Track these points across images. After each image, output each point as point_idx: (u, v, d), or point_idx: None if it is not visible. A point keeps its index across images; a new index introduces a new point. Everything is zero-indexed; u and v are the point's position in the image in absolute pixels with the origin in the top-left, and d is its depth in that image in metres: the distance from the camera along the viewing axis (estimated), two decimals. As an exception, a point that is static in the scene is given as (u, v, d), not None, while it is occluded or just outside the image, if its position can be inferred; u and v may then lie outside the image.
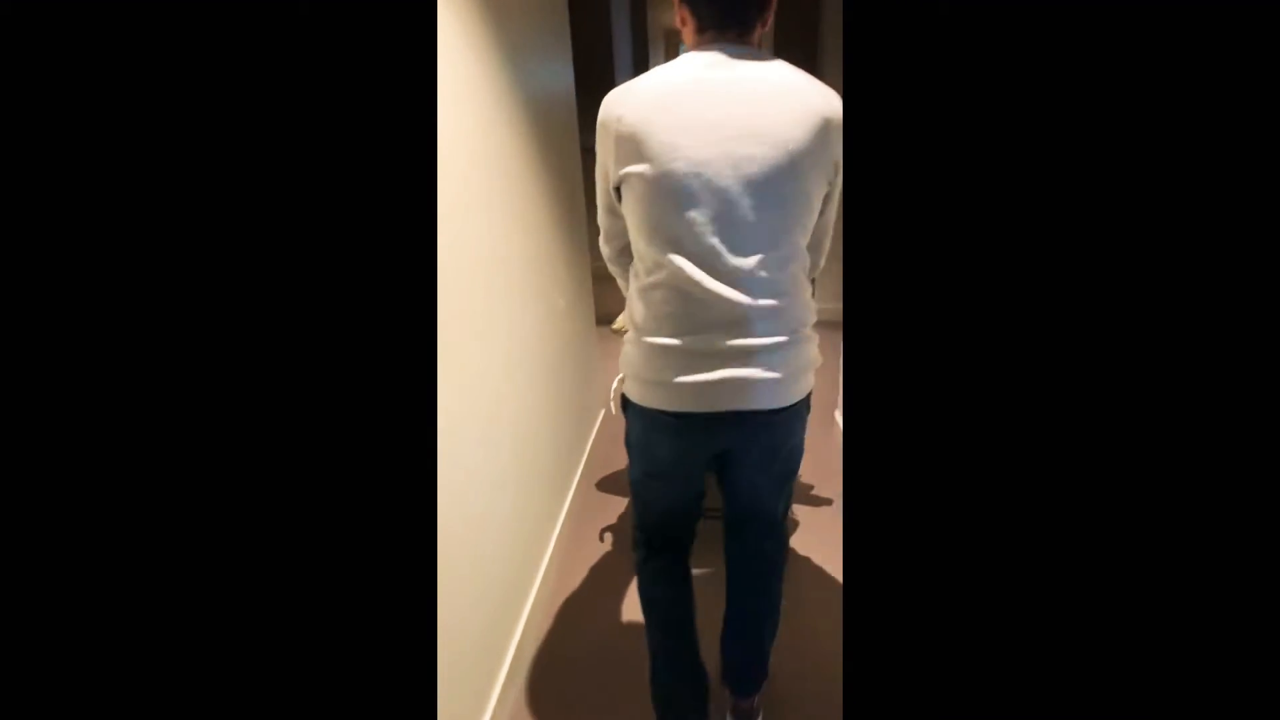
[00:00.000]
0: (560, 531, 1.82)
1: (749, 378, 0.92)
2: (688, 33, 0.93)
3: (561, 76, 1.76)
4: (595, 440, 2.37)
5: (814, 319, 0.99)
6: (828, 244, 1.06)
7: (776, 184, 0.86)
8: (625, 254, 1.05)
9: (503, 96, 1.24)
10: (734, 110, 0.85)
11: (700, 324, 0.91)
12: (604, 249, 1.09)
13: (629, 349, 1.01)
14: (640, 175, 0.87)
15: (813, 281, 1.06)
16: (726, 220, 0.87)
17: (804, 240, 0.94)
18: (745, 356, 0.91)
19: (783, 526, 1.20)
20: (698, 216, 0.86)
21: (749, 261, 0.88)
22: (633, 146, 0.87)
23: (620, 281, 1.11)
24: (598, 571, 1.79)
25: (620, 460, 2.16)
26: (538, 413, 1.58)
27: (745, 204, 0.86)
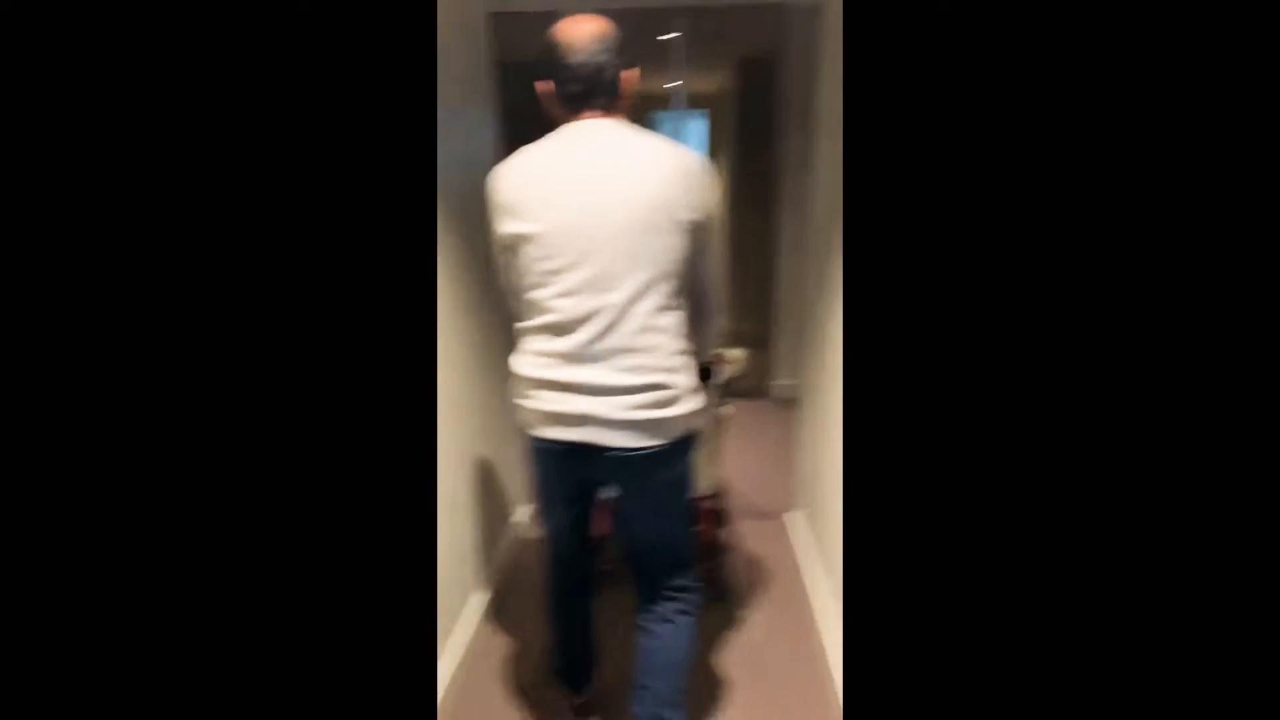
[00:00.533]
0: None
1: (601, 416, 1.03)
2: (559, 113, 1.07)
3: (484, 142, 1.88)
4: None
5: (681, 364, 1.07)
6: (716, 294, 1.15)
7: (633, 236, 0.98)
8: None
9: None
10: (596, 173, 0.99)
11: (562, 361, 1.03)
12: (510, 302, 1.21)
13: (513, 380, 1.13)
14: (517, 234, 1.03)
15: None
16: (590, 270, 0.99)
17: (669, 287, 1.03)
18: (598, 394, 1.02)
19: (681, 601, 1.20)
20: (563, 267, 1.00)
21: (608, 308, 1.00)
22: (511, 210, 1.03)
23: None
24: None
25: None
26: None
27: (606, 255, 0.99)
